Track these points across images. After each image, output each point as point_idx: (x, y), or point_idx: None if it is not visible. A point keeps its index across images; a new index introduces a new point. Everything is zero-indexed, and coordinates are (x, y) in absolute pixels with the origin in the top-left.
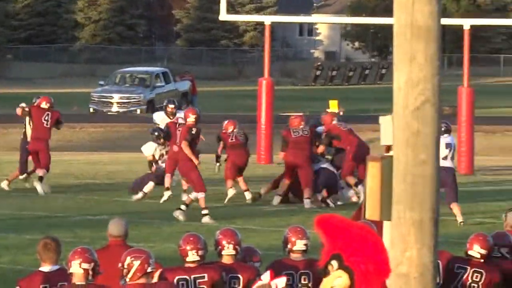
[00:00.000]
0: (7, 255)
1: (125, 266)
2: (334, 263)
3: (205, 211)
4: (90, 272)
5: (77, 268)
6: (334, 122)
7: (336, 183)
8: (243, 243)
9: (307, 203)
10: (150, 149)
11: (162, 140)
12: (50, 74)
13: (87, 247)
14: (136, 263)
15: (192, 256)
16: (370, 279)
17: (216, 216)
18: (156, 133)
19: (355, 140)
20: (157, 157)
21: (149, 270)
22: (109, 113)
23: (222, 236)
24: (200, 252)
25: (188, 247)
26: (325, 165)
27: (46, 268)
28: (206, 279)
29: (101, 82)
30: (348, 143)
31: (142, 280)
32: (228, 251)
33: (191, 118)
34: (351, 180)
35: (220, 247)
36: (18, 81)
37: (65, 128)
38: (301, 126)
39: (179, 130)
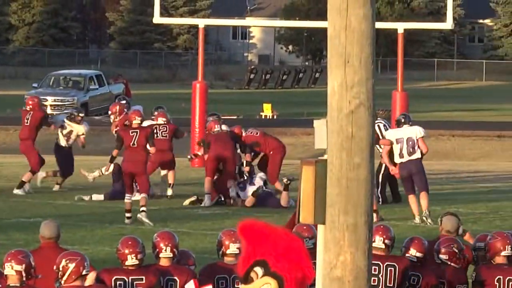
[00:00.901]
0: None
1: (60, 269)
2: (258, 269)
3: (144, 208)
4: (24, 274)
5: (9, 270)
6: (244, 132)
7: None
8: None
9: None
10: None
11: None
12: None
13: (22, 249)
14: (71, 266)
15: (131, 260)
16: (297, 286)
17: (149, 219)
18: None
19: (275, 143)
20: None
21: (84, 272)
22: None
23: (159, 238)
24: (139, 256)
25: (127, 251)
26: (267, 189)
27: None
28: (144, 281)
29: (35, 85)
30: (269, 147)
31: (77, 283)
32: (165, 254)
33: (137, 120)
34: (279, 185)
35: (157, 249)
36: None
37: None
38: (217, 129)
39: (134, 132)
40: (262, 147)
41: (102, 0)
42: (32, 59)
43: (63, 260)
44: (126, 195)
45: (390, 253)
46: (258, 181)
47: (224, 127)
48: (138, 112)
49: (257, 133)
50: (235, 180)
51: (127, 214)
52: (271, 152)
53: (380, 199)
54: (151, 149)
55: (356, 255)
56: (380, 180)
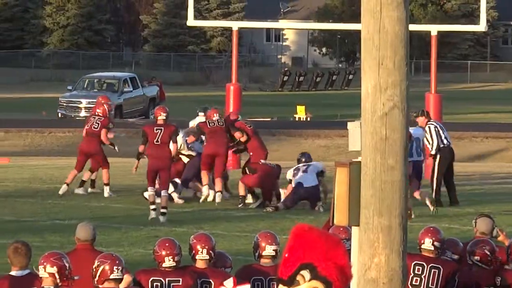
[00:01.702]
0: None
1: (93, 270)
2: (306, 273)
3: (164, 210)
4: (57, 276)
5: (43, 272)
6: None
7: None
8: None
9: (219, 196)
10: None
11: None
12: (18, 79)
13: (56, 251)
14: (101, 268)
15: (168, 262)
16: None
17: (182, 221)
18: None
19: (259, 144)
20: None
21: (112, 276)
22: (77, 118)
23: (196, 240)
24: (176, 258)
25: (164, 252)
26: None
27: (15, 272)
28: (180, 283)
29: (69, 87)
30: (252, 144)
31: (109, 285)
32: (202, 256)
33: (162, 116)
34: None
35: (194, 251)
36: None
37: (33, 132)
38: (215, 118)
39: (159, 129)
40: (248, 139)
41: (136, 3)
42: (67, 61)
43: (96, 262)
44: (149, 188)
45: (439, 255)
46: (312, 168)
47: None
48: (164, 108)
49: (250, 126)
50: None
51: (152, 206)
52: (251, 153)
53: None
54: (173, 146)
55: (390, 256)
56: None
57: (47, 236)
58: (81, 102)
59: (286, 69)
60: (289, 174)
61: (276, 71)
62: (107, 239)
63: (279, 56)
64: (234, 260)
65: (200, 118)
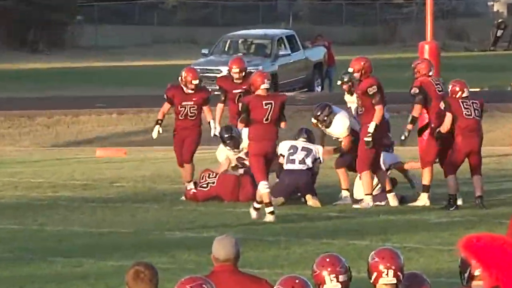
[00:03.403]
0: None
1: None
2: None
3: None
4: None
5: None
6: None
7: None
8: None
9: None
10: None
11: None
12: (135, 41)
13: (196, 276)
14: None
15: (331, 283)
16: None
17: (365, 232)
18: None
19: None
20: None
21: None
22: (215, 92)
23: (378, 258)
24: (341, 278)
25: (324, 272)
26: None
27: None
28: None
29: (205, 51)
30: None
31: None
32: (386, 279)
33: (266, 85)
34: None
35: (375, 273)
36: (93, 51)
37: (155, 113)
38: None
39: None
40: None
41: None
42: (200, 16)
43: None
44: (263, 183)
45: None
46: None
47: None
48: (266, 74)
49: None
50: None
51: (268, 209)
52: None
53: None
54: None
55: None
56: None
57: (178, 254)
58: (221, 71)
59: (500, 20)
60: None
61: (486, 23)
62: (259, 256)
63: (489, 3)
64: (435, 283)
65: None
